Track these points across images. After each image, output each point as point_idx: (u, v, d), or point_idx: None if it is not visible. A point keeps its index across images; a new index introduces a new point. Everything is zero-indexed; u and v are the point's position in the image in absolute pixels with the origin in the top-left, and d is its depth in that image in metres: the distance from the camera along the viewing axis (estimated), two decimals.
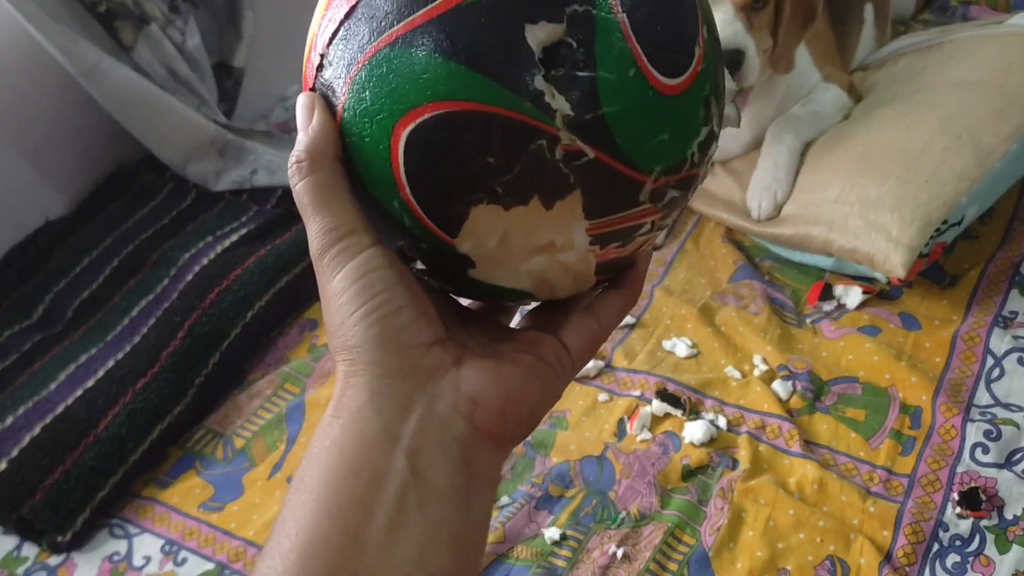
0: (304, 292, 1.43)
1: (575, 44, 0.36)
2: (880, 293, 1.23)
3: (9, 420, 1.21)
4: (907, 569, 0.91)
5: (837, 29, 1.50)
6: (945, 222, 1.14)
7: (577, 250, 0.40)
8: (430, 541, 0.35)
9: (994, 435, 1.01)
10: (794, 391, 1.13)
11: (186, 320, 1.29)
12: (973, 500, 0.95)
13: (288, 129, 1.84)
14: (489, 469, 0.39)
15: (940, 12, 1.75)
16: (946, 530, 0.94)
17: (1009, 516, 0.94)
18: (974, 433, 1.02)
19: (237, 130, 1.63)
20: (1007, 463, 0.99)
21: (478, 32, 0.35)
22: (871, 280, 1.24)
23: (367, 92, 0.37)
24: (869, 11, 1.57)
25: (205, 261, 1.39)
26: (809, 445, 1.07)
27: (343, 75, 0.38)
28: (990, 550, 0.91)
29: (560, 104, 0.35)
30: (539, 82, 0.35)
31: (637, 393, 1.18)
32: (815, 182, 1.28)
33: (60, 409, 1.21)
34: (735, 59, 1.23)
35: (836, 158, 1.28)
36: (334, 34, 0.39)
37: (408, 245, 0.41)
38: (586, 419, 1.17)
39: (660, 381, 1.18)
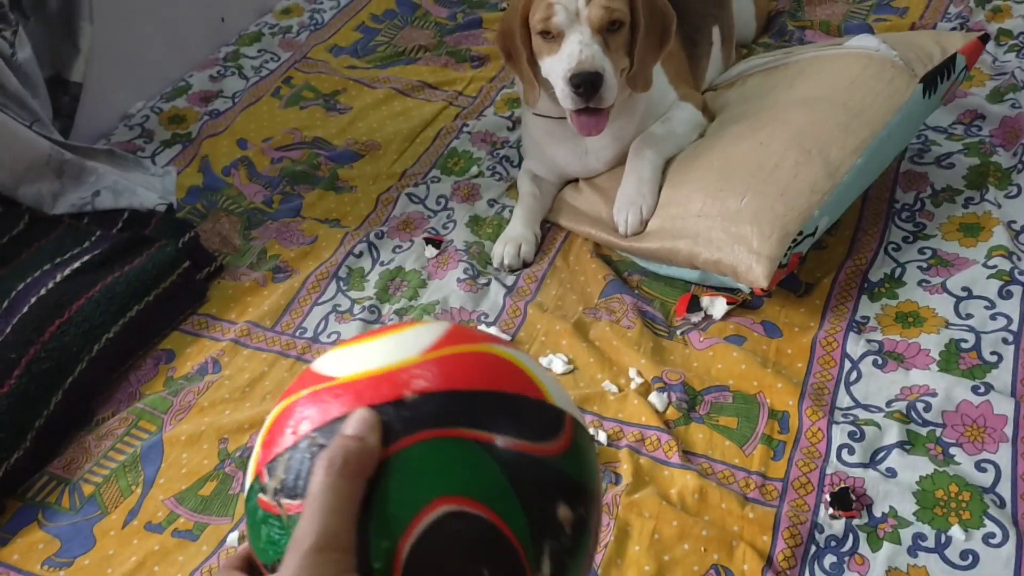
0: (158, 321, 1.33)
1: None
2: (743, 303, 1.28)
3: None
4: (788, 572, 0.94)
5: (689, 51, 1.57)
6: (800, 233, 1.20)
7: None
8: None
9: (858, 436, 1.06)
10: (670, 402, 1.15)
11: (23, 356, 1.17)
12: (844, 500, 0.99)
13: (133, 149, 1.72)
14: None
15: (779, 36, 1.86)
16: (821, 531, 0.97)
17: (878, 514, 0.99)
18: (839, 435, 1.07)
19: (76, 149, 1.51)
20: (872, 462, 1.04)
21: None
22: (734, 291, 1.29)
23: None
24: (716, 33, 1.64)
25: (43, 291, 1.26)
26: (688, 455, 1.08)
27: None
28: (863, 548, 0.96)
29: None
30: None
31: None
32: (678, 196, 1.32)
33: None
34: (594, 81, 1.25)
35: (697, 172, 1.32)
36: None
37: None
38: None
39: None
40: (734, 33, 1.75)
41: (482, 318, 1.33)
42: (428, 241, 1.47)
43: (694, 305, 1.29)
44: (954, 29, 1.76)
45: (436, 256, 1.45)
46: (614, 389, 1.19)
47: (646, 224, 1.35)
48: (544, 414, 0.47)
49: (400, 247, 1.48)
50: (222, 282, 1.44)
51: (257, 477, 0.48)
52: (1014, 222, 1.31)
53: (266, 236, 1.52)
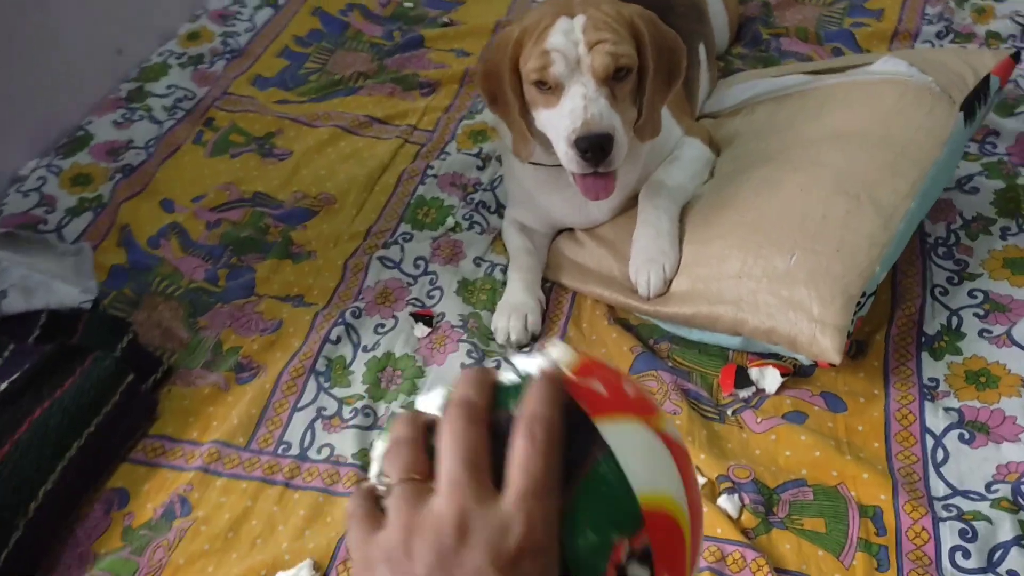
0: (104, 452, 1.08)
1: None
2: (795, 371, 1.14)
3: None
4: None
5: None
6: (864, 294, 1.06)
7: None
8: None
9: (969, 535, 0.93)
10: (743, 506, 1.00)
11: None
12: None
13: (33, 222, 1.43)
14: None
15: (753, 44, 1.73)
16: None
17: None
18: (948, 534, 0.94)
19: None
20: (991, 566, 0.91)
21: None
22: (780, 357, 1.14)
23: None
24: (702, 51, 1.49)
25: None
26: (780, 574, 0.93)
27: None
28: None
29: None
30: None
31: None
32: (707, 254, 1.16)
33: None
34: (604, 144, 1.07)
35: (726, 226, 1.16)
36: None
37: None
38: None
39: None
40: (715, 48, 1.61)
41: None
42: (416, 317, 1.26)
43: (742, 378, 1.14)
44: (940, 33, 1.67)
45: (428, 335, 1.24)
46: None
47: (670, 284, 1.19)
48: None
49: (383, 326, 1.26)
50: (173, 390, 1.19)
51: None
52: None
53: (218, 323, 1.27)
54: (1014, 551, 0.92)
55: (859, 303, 1.06)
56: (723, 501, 1.00)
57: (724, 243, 1.15)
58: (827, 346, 1.03)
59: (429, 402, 0.45)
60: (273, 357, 1.22)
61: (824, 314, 1.04)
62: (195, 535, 1.02)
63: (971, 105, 1.19)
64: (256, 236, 1.41)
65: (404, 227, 1.43)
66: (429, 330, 1.25)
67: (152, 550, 1.01)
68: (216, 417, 1.15)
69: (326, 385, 1.18)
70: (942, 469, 1.01)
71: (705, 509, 0.99)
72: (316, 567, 0.98)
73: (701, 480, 1.02)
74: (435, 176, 1.51)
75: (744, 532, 0.97)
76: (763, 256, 1.10)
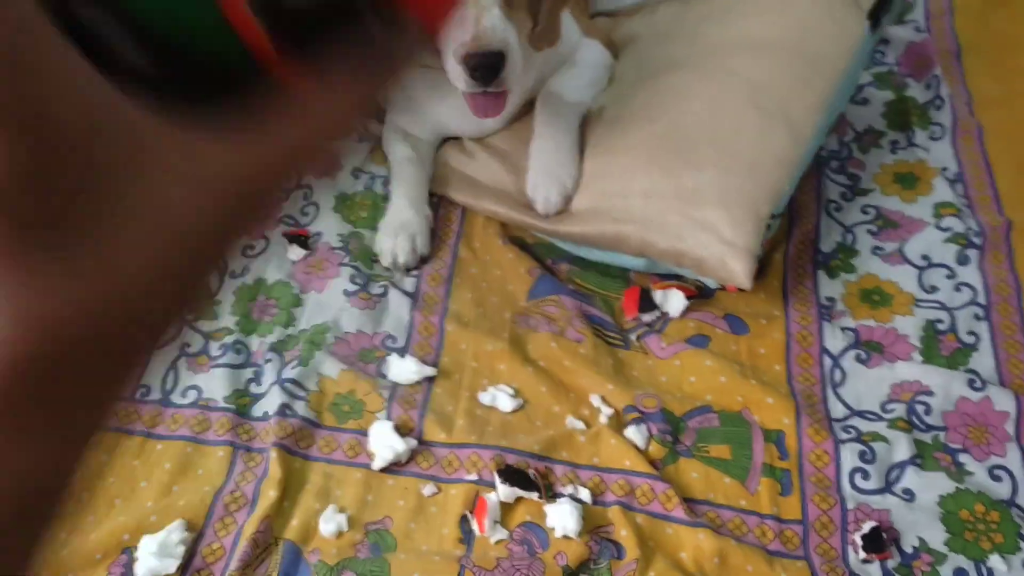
0: None
1: None
2: (699, 293, 1.10)
3: None
4: None
5: None
6: (772, 216, 1.03)
7: None
8: None
9: (868, 456, 0.94)
10: (651, 436, 0.96)
11: None
12: (876, 542, 0.87)
13: None
14: None
15: None
16: None
17: (908, 549, 0.88)
18: (849, 456, 0.94)
19: None
20: (888, 486, 0.93)
21: None
22: (682, 278, 1.10)
23: None
24: None
25: None
26: (689, 504, 0.91)
27: None
28: None
29: None
30: None
31: (472, 477, 0.92)
32: (612, 169, 1.09)
33: None
34: (495, 63, 0.96)
35: (633, 139, 1.09)
36: None
37: None
38: (416, 526, 0.89)
39: (497, 454, 0.93)
40: None
41: (388, 343, 1.04)
42: (289, 238, 1.13)
43: (646, 301, 1.09)
44: None
45: (304, 258, 1.11)
46: (581, 426, 0.97)
47: (570, 201, 1.11)
48: None
49: (251, 248, 1.12)
50: None
51: None
52: (946, 169, 1.23)
53: None
54: (910, 470, 0.93)
55: (768, 224, 1.02)
56: (631, 432, 0.96)
57: (630, 157, 1.07)
58: (737, 270, 0.99)
59: None
60: None
61: (735, 236, 1.00)
62: None
63: (877, 13, 1.15)
64: None
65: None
66: (305, 252, 1.12)
67: None
68: None
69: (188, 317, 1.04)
70: (840, 390, 1.01)
71: (613, 441, 0.95)
72: (189, 527, 0.87)
73: (608, 411, 0.98)
74: None
75: (652, 463, 0.94)
76: (673, 173, 1.04)
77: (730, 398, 1.00)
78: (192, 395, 0.98)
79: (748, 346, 1.05)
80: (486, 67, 0.96)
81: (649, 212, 1.04)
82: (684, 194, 1.03)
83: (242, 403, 0.98)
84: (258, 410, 0.97)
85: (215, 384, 0.98)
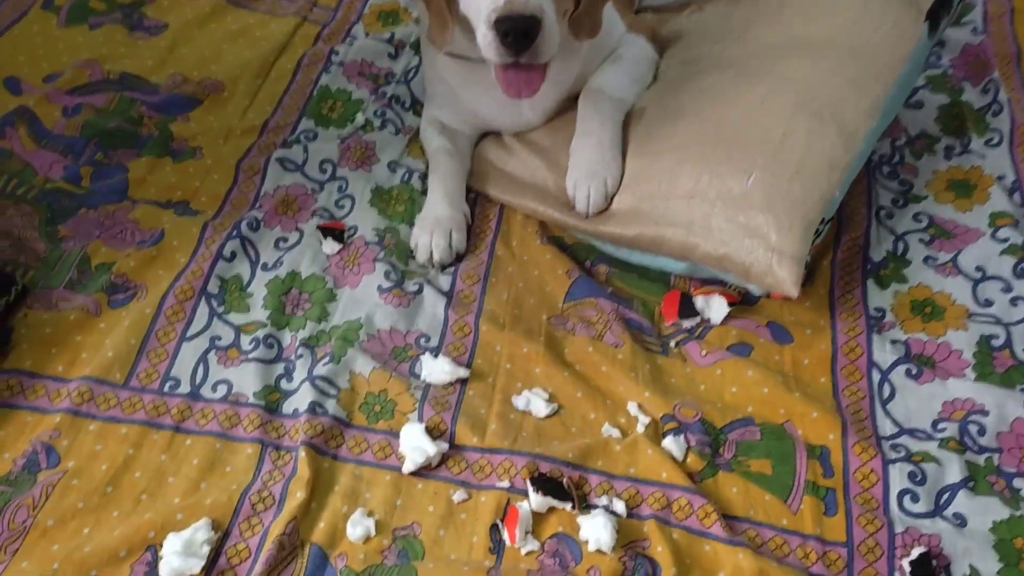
0: None
1: None
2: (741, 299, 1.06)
3: None
4: None
5: None
6: (822, 221, 0.99)
7: None
8: None
9: (918, 477, 0.90)
10: (688, 447, 0.93)
11: None
12: (925, 568, 0.84)
13: None
14: None
15: None
16: None
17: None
18: (897, 477, 0.90)
19: None
20: (938, 509, 0.89)
21: None
22: (725, 283, 1.07)
23: None
24: None
25: None
26: (727, 520, 0.88)
27: None
28: None
29: None
30: None
31: (504, 484, 0.89)
32: (656, 170, 1.05)
33: None
34: (528, 29, 0.91)
35: (678, 139, 1.05)
36: None
37: None
38: (446, 533, 0.87)
39: (530, 461, 0.90)
40: None
41: (422, 342, 1.02)
42: (324, 231, 1.11)
43: (686, 306, 1.05)
44: None
45: (339, 252, 1.09)
46: (617, 434, 0.94)
47: (611, 201, 1.08)
48: None
49: (285, 240, 1.10)
50: (31, 314, 1.00)
51: None
52: (1003, 177, 1.18)
53: (83, 233, 1.08)
54: (961, 494, 0.89)
55: (817, 230, 0.98)
56: (668, 443, 0.93)
57: (675, 158, 1.04)
58: (784, 277, 0.95)
59: None
60: (154, 275, 1.05)
61: (782, 242, 0.96)
62: (66, 490, 0.87)
63: (937, 14, 1.10)
64: (127, 127, 1.19)
65: (306, 123, 1.25)
66: (340, 246, 1.10)
67: (12, 511, 0.85)
68: (86, 348, 0.98)
69: (220, 310, 1.03)
70: (889, 406, 0.97)
71: (650, 452, 0.92)
72: (215, 526, 0.85)
73: (645, 419, 0.95)
74: (340, 64, 1.32)
75: (690, 476, 0.91)
76: (718, 175, 1.00)
77: (773, 410, 0.96)
78: (222, 389, 0.96)
79: (792, 356, 1.02)
80: (518, 32, 0.91)
81: (693, 215, 1.00)
82: (729, 197, 0.99)
83: (272, 399, 0.96)
84: (288, 407, 0.95)
85: (246, 379, 0.97)
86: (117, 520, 0.86)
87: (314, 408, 0.94)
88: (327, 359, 0.98)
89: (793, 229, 0.96)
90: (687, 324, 1.04)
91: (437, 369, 0.97)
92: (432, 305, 1.05)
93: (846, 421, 0.95)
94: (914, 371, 0.99)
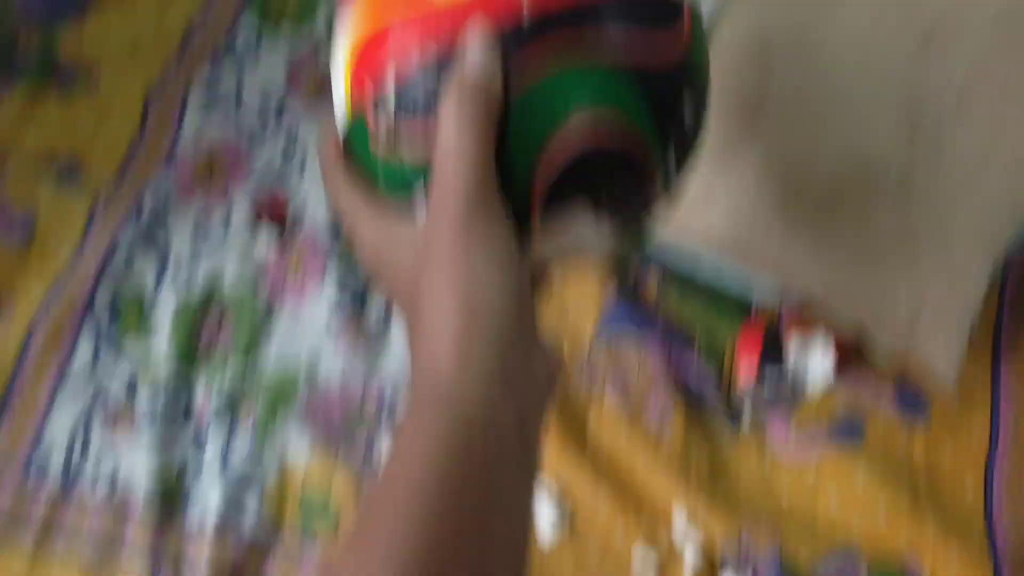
0: None
1: None
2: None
3: None
4: None
5: None
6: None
7: None
8: None
9: None
10: None
11: None
12: None
13: None
14: None
15: None
16: None
17: None
18: None
19: None
20: None
21: None
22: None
23: None
24: None
25: None
26: None
27: None
28: None
29: None
30: None
31: None
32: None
33: None
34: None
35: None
36: None
37: None
38: None
39: None
40: None
41: (387, 397, 0.72)
42: (268, 218, 0.78)
43: (771, 349, 0.71)
44: None
45: (280, 251, 0.77)
46: (652, 558, 0.66)
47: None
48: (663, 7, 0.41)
49: (205, 228, 0.79)
50: None
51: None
52: None
53: None
54: None
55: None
56: None
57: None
58: (944, 369, 0.60)
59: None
60: (23, 284, 0.76)
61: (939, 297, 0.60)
62: None
63: None
64: None
65: (248, 21, 0.88)
66: (280, 238, 0.77)
67: None
68: None
69: (112, 343, 0.74)
70: None
71: None
72: None
73: (695, 539, 0.65)
74: None
75: None
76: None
77: (890, 540, 0.65)
78: (109, 467, 0.70)
79: (926, 444, 0.69)
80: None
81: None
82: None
83: (172, 490, 0.69)
84: (194, 503, 0.69)
85: (138, 455, 0.70)
86: None
87: (228, 512, 0.67)
88: (249, 431, 0.70)
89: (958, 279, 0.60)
90: (771, 384, 0.71)
91: None
92: (400, 346, 0.74)
93: (1000, 566, 0.64)
94: None
